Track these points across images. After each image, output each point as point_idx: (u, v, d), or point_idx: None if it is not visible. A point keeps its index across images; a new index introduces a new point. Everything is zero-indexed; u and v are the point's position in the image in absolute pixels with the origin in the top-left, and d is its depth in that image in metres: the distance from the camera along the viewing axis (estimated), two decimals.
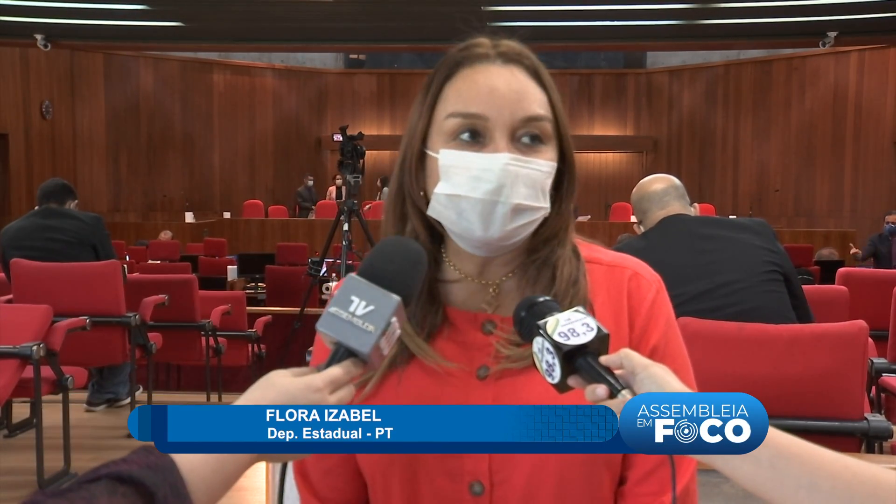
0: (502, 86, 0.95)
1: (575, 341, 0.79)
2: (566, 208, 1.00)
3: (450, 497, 0.94)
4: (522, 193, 0.93)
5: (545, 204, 0.95)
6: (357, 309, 0.84)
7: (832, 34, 9.72)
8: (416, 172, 0.99)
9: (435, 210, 0.97)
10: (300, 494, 1.04)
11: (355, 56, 17.13)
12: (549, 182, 0.96)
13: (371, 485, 1.00)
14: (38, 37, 10.35)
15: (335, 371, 0.82)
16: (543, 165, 0.95)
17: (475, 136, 0.94)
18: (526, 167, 0.93)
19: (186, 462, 0.77)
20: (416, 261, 0.90)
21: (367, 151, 6.11)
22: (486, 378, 0.95)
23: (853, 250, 10.28)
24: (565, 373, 0.80)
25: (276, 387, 0.81)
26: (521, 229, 0.95)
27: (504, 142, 0.93)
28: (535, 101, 0.96)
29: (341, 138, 5.69)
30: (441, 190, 0.95)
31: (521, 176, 0.93)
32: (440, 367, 0.96)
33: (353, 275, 0.87)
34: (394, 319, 0.84)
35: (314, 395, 0.80)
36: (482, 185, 0.92)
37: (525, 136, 0.95)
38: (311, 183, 14.76)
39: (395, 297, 0.85)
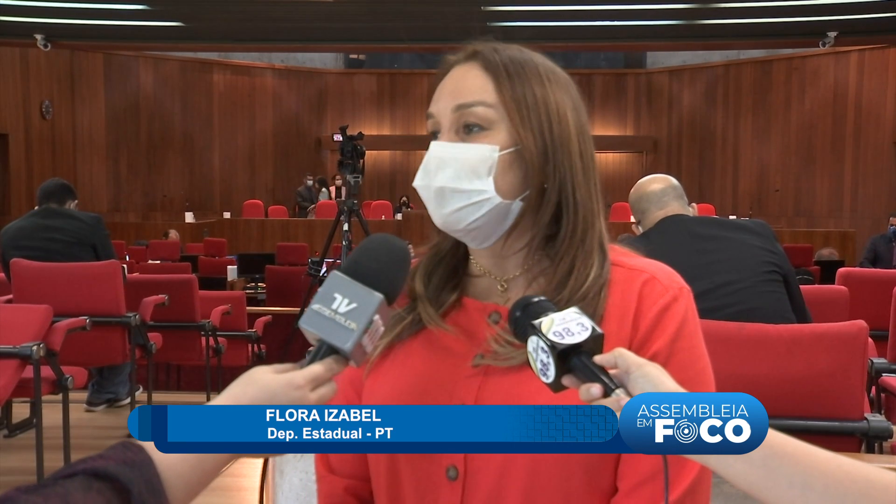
0: (448, 82, 1.00)
1: (569, 340, 0.79)
2: (551, 199, 0.99)
3: (428, 478, 0.96)
4: (448, 176, 0.96)
5: (481, 186, 0.95)
6: (340, 306, 0.84)
7: (832, 34, 9.72)
8: None
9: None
10: (315, 464, 1.08)
11: (355, 56, 17.14)
12: (484, 166, 0.95)
13: (369, 461, 1.04)
14: (38, 37, 10.35)
15: (316, 368, 0.83)
16: (471, 149, 0.96)
17: (435, 134, 1.00)
18: (450, 151, 0.97)
19: (164, 458, 0.77)
20: (401, 259, 0.91)
21: (367, 151, 6.12)
22: (479, 366, 0.97)
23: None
24: (560, 372, 0.80)
25: (256, 383, 0.81)
26: (462, 213, 0.96)
27: (448, 134, 0.98)
28: (470, 89, 0.98)
29: (341, 138, 5.69)
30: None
31: (445, 160, 0.96)
32: (442, 336, 0.99)
33: (336, 272, 0.87)
34: (376, 317, 0.85)
35: (295, 392, 0.81)
36: (420, 174, 0.99)
37: (464, 126, 0.97)
38: (310, 183, 14.75)
39: (378, 295, 0.85)
